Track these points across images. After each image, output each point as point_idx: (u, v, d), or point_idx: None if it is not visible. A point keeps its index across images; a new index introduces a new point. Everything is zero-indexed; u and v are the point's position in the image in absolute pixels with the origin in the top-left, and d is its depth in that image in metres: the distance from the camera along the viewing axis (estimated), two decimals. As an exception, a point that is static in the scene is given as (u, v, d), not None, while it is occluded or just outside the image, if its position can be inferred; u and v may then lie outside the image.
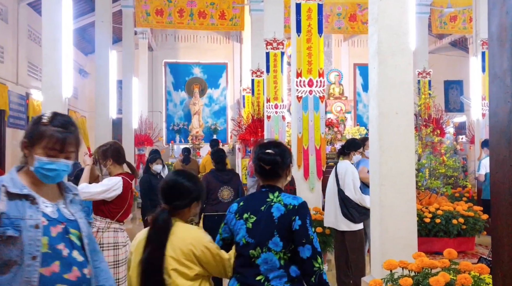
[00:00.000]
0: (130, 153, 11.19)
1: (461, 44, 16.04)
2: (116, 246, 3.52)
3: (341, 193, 4.91)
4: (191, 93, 16.99)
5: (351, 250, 4.87)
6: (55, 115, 1.86)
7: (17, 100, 10.12)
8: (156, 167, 6.44)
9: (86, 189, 3.49)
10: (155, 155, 6.81)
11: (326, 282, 2.24)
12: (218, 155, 5.60)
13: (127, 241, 3.63)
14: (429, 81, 10.78)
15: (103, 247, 3.46)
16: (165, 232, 2.18)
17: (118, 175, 3.61)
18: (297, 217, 2.22)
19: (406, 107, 3.54)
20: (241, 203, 2.39)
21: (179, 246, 2.17)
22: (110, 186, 3.49)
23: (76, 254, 1.82)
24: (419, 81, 10.61)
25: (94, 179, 3.75)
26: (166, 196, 2.27)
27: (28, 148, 1.83)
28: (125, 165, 3.75)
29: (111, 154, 3.64)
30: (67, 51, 6.48)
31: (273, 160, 2.33)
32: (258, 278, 2.22)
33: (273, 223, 2.22)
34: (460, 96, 16.78)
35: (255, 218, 2.27)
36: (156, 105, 16.84)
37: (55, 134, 1.81)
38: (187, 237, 2.19)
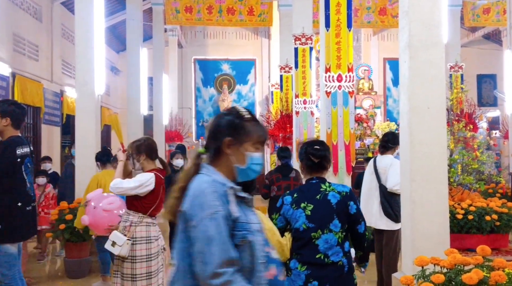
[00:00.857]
0: (161, 149, 11.37)
1: (494, 37, 15.63)
2: (148, 240, 3.58)
3: (382, 189, 4.63)
4: (220, 89, 17.10)
5: (386, 248, 4.67)
6: (247, 109, 1.74)
7: (52, 97, 10.41)
8: (177, 162, 6.44)
9: (120, 185, 3.58)
10: (176, 150, 6.97)
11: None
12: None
13: (159, 235, 3.69)
14: (462, 75, 10.56)
15: (136, 241, 3.54)
16: None
17: (150, 171, 3.67)
18: (352, 202, 2.69)
19: (438, 102, 3.49)
20: (295, 195, 2.75)
21: None
22: (143, 182, 3.56)
23: (274, 253, 1.75)
24: (451, 75, 10.41)
25: (127, 174, 3.83)
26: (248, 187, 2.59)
27: (233, 146, 1.68)
28: (157, 161, 3.82)
29: (145, 149, 3.71)
30: (99, 49, 6.64)
31: (322, 155, 2.76)
32: (317, 256, 2.62)
33: (332, 209, 2.65)
34: (494, 90, 16.35)
35: (312, 206, 2.66)
36: (186, 101, 17.02)
37: (262, 129, 1.72)
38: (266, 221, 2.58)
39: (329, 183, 2.74)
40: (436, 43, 3.48)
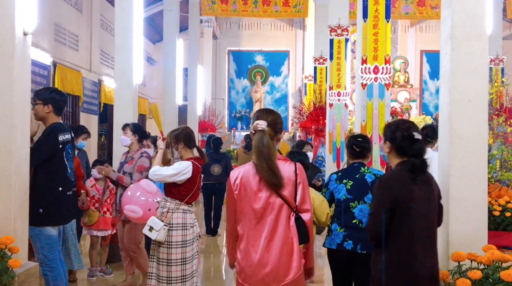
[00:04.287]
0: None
1: (539, 29, 15.03)
2: (184, 226, 3.66)
3: None
4: (253, 80, 17.14)
5: None
6: None
7: (90, 86, 10.66)
8: None
9: (159, 172, 3.66)
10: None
11: None
12: (216, 141, 7.26)
13: (194, 222, 3.76)
14: (502, 69, 10.25)
15: (172, 227, 3.62)
16: None
17: (188, 159, 3.73)
18: None
19: (479, 95, 3.41)
20: (339, 174, 3.55)
21: None
22: (180, 170, 3.63)
23: None
24: (491, 69, 10.10)
25: (165, 163, 3.91)
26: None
27: None
28: (195, 150, 3.88)
29: (183, 138, 3.78)
30: (137, 40, 6.75)
31: (362, 145, 3.51)
32: (354, 221, 3.35)
33: (367, 186, 3.39)
34: (537, 84, 15.76)
35: (352, 182, 3.42)
36: (219, 92, 17.15)
37: None
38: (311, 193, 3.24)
39: (367, 167, 3.47)
40: (480, 35, 3.39)
